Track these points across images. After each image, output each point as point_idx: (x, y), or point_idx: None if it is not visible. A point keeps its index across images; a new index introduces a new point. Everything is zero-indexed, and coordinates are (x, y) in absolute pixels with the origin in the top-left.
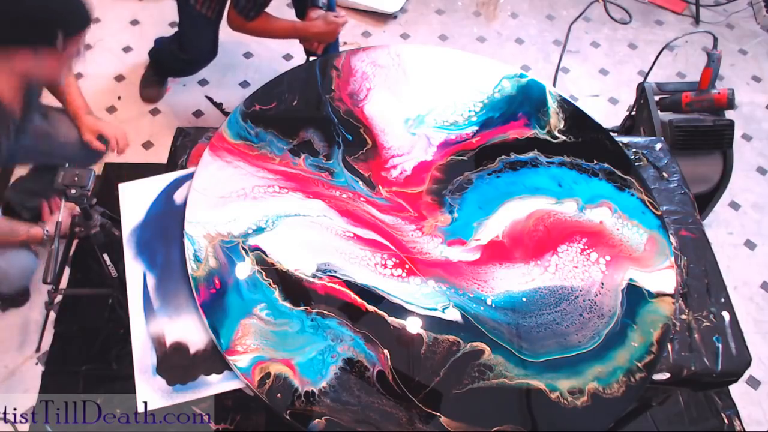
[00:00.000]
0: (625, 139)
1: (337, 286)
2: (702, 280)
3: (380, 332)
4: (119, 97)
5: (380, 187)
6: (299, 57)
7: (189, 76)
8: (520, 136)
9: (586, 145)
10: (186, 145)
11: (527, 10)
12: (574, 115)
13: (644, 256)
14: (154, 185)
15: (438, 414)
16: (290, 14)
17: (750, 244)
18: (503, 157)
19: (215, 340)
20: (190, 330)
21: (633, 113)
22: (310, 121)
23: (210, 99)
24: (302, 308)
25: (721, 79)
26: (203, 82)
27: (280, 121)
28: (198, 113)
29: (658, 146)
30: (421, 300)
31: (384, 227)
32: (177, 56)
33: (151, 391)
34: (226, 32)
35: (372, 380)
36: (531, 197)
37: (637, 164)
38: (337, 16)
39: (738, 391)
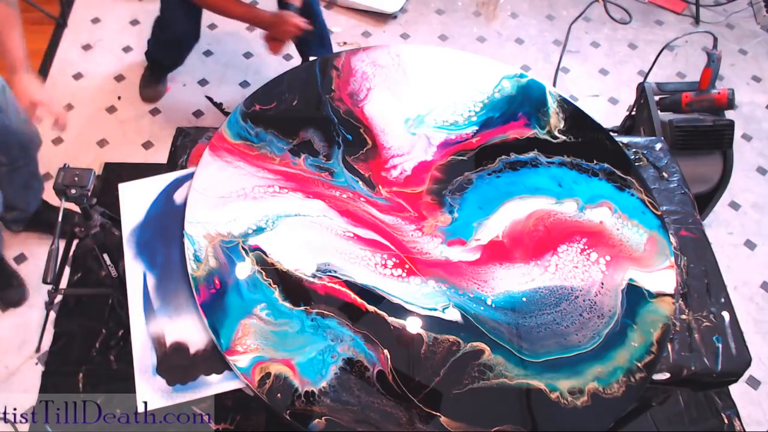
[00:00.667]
0: (625, 139)
1: (337, 286)
2: (702, 280)
3: (380, 332)
4: (119, 97)
5: (380, 187)
6: (299, 57)
7: (179, 64)
8: (520, 136)
9: (586, 145)
10: (186, 145)
11: (527, 10)
12: (574, 115)
13: (644, 256)
14: (154, 185)
15: (438, 414)
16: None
17: (750, 244)
18: (503, 157)
19: (215, 340)
20: (190, 330)
21: (633, 113)
22: (310, 121)
23: (210, 99)
24: (302, 308)
25: (721, 79)
26: (203, 82)
27: (280, 121)
28: (198, 113)
29: (658, 146)
30: (421, 300)
31: (384, 227)
32: (158, 38)
33: (151, 391)
34: (226, 31)
35: (372, 380)
36: (531, 197)
37: (637, 164)
38: (294, 16)
39: (738, 391)
